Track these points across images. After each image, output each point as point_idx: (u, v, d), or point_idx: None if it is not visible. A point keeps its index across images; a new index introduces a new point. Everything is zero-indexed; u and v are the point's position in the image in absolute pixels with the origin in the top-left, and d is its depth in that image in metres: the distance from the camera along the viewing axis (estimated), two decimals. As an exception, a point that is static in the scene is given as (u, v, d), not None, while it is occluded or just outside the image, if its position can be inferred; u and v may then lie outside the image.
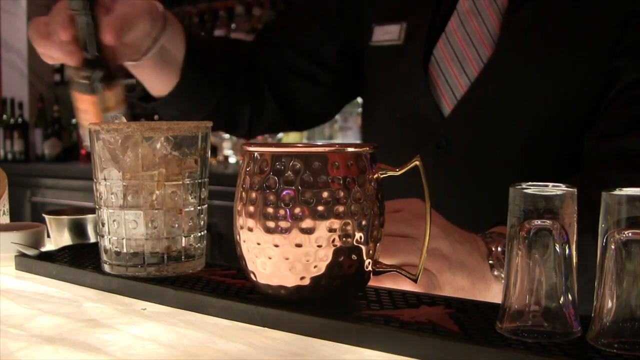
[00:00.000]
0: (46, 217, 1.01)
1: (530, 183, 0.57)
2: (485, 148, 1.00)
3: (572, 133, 0.97)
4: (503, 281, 0.58)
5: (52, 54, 0.91)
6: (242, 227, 0.65)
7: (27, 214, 3.66)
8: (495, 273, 0.76)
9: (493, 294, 0.76)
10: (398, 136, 1.08)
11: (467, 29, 1.00)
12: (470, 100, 0.99)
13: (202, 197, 0.80)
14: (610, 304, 0.53)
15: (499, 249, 0.77)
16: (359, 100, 1.29)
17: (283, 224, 0.63)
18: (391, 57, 1.09)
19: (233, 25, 3.40)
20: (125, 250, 0.77)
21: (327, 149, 0.64)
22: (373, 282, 0.70)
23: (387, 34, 1.09)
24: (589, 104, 0.95)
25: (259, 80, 1.19)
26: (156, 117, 3.70)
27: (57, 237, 1.00)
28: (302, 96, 1.22)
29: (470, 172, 1.00)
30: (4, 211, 1.07)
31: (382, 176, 0.67)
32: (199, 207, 0.79)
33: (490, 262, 0.76)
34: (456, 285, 0.74)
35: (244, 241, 0.66)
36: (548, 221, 0.55)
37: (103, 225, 0.78)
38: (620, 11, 0.93)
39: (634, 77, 0.90)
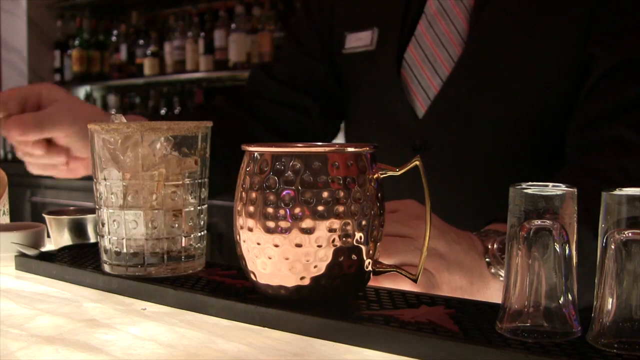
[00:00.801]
0: (46, 217, 1.01)
1: (530, 183, 0.57)
2: (462, 146, 1.01)
3: (549, 124, 0.97)
4: (503, 280, 0.58)
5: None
6: (242, 227, 0.65)
7: (27, 214, 3.66)
8: (492, 271, 0.76)
9: (491, 292, 0.76)
10: (375, 140, 1.09)
11: (435, 31, 1.01)
12: (443, 100, 0.99)
13: (202, 197, 0.80)
14: (610, 304, 0.53)
15: (495, 246, 0.77)
16: None
17: (283, 224, 0.63)
18: (364, 63, 1.10)
19: (233, 25, 3.40)
20: (125, 250, 0.77)
21: (327, 149, 0.64)
22: (372, 282, 0.70)
23: (359, 40, 1.10)
24: (563, 94, 0.95)
25: (256, 134, 1.18)
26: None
27: (57, 237, 1.00)
28: (302, 128, 1.21)
29: (449, 171, 1.00)
30: (4, 211, 1.07)
31: (382, 176, 0.67)
32: (199, 207, 0.79)
33: (487, 260, 0.76)
34: (454, 284, 0.74)
35: (244, 241, 0.66)
36: (548, 221, 0.55)
37: (103, 225, 0.78)
38: None
39: (609, 64, 0.90)
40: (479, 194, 0.98)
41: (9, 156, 4.11)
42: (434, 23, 1.01)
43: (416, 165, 0.65)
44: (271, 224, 0.63)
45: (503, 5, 0.98)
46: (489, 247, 0.77)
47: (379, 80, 1.07)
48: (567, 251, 0.56)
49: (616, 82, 0.90)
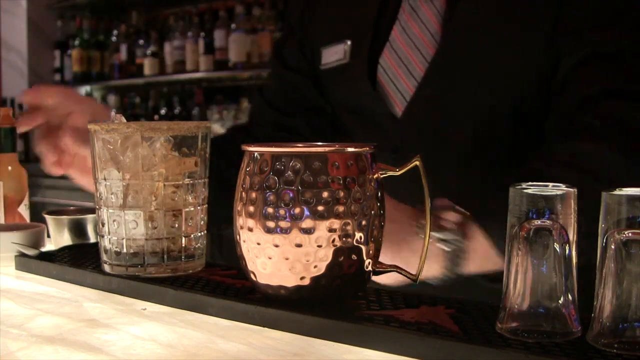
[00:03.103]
0: (46, 217, 1.01)
1: (530, 183, 0.57)
2: (438, 144, 1.02)
3: (523, 116, 0.98)
4: (504, 281, 0.58)
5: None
6: (242, 227, 0.65)
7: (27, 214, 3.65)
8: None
9: (414, 250, 0.76)
10: None
11: (409, 34, 1.03)
12: (419, 100, 1.01)
13: (202, 197, 0.80)
14: (610, 304, 0.53)
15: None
16: None
17: (283, 224, 0.62)
18: (340, 77, 1.12)
19: (233, 25, 3.40)
20: (125, 250, 0.77)
21: (327, 149, 0.64)
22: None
23: (334, 54, 1.13)
24: (536, 87, 0.97)
25: None
26: (156, 117, 3.71)
27: (57, 237, 1.00)
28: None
29: (428, 170, 1.01)
30: (27, 206, 1.10)
31: (382, 176, 0.67)
32: (199, 207, 0.79)
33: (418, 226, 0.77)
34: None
35: (244, 241, 0.66)
36: (548, 221, 0.55)
37: (103, 225, 0.78)
38: None
39: (580, 56, 0.91)
40: (456, 186, 1.00)
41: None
42: (407, 27, 1.03)
43: (416, 165, 0.65)
44: (271, 224, 0.63)
45: (472, 3, 0.99)
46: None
47: (355, 90, 1.10)
48: (567, 251, 0.55)
49: (583, 75, 0.91)
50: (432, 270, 0.76)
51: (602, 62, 0.90)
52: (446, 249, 0.76)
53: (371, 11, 1.09)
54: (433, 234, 0.75)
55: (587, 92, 0.89)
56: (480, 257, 0.77)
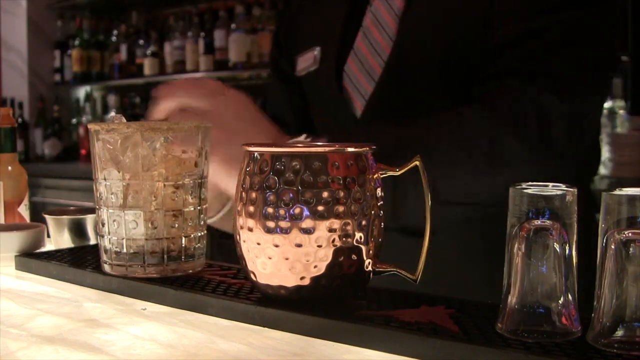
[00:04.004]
0: (46, 217, 1.01)
1: (530, 183, 0.58)
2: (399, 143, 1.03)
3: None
4: (504, 281, 0.58)
5: None
6: (242, 227, 0.65)
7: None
8: None
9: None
10: None
11: (370, 40, 1.05)
12: (376, 100, 1.02)
13: (202, 197, 0.80)
14: (610, 304, 0.53)
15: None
16: None
17: (283, 224, 0.63)
18: (312, 83, 1.15)
19: (233, 25, 3.40)
20: (125, 250, 0.77)
21: (327, 149, 0.64)
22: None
23: (305, 62, 1.15)
24: (472, 53, 0.99)
25: None
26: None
27: (57, 237, 1.00)
28: None
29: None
30: (27, 206, 1.10)
31: (382, 176, 0.67)
32: (198, 207, 0.79)
33: None
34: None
35: (244, 241, 0.66)
36: (548, 221, 0.55)
37: (103, 225, 0.78)
38: None
39: (510, 33, 0.93)
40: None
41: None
42: (369, 34, 1.05)
43: (416, 165, 0.65)
44: (271, 224, 0.63)
45: (427, 3, 1.00)
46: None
47: (324, 96, 1.12)
48: (567, 251, 0.56)
49: (513, 53, 0.93)
50: None
51: (530, 43, 0.92)
52: None
53: (339, 19, 1.11)
54: None
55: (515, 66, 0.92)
56: None
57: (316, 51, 1.12)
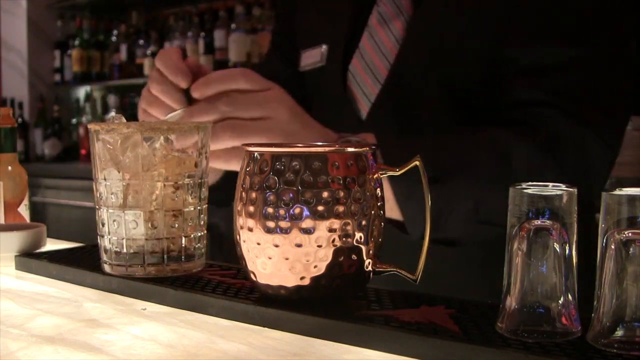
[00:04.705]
0: None
1: (530, 183, 0.58)
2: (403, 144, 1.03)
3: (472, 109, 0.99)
4: (504, 281, 0.58)
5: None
6: (242, 227, 0.65)
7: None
8: None
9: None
10: None
11: (376, 41, 1.05)
12: (381, 102, 1.02)
13: (202, 197, 0.80)
14: (610, 304, 0.53)
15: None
16: None
17: (283, 224, 0.63)
18: (316, 80, 1.14)
19: (233, 25, 3.40)
20: (125, 250, 0.77)
21: (327, 149, 0.64)
22: None
23: (310, 57, 1.14)
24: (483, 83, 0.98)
25: None
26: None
27: None
28: None
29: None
30: (27, 206, 1.10)
31: (382, 176, 0.67)
32: (198, 207, 0.79)
33: None
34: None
35: (244, 241, 0.66)
36: (548, 221, 0.55)
37: (103, 225, 0.78)
38: None
39: (522, 64, 0.93)
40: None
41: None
42: (375, 34, 1.05)
43: (416, 165, 0.65)
44: (271, 224, 0.63)
45: (434, 7, 1.00)
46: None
47: (329, 95, 1.12)
48: (567, 251, 0.56)
49: (524, 81, 0.93)
50: None
51: (539, 76, 0.92)
52: None
53: (346, 17, 1.11)
54: None
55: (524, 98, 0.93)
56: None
57: (323, 48, 1.12)
